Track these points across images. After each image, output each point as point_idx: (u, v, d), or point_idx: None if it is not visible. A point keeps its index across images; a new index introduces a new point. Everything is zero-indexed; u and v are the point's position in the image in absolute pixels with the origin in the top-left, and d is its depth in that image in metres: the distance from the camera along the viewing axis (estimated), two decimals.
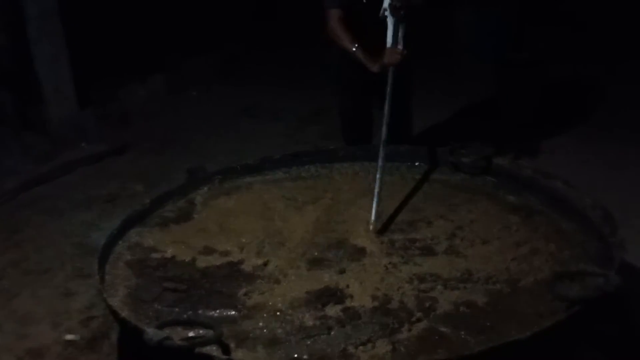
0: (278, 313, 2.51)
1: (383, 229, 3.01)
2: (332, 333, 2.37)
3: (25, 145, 5.46)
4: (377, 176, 3.21)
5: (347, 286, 2.63)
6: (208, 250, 2.93)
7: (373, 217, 3.04)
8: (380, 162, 3.26)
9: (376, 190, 3.14)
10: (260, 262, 2.84)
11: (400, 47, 3.56)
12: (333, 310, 2.49)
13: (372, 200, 3.11)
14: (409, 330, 2.36)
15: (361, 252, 2.87)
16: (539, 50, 6.78)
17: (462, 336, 2.32)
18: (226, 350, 2.22)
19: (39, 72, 5.37)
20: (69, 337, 3.32)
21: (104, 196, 4.89)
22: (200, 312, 2.52)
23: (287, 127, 6.04)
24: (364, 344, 2.31)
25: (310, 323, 2.44)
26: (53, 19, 5.32)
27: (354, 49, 3.75)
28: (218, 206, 3.30)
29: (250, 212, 3.22)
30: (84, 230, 4.43)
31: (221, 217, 3.19)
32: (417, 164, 3.57)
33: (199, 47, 7.35)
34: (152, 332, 2.10)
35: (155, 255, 2.90)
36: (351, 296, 2.57)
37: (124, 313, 2.43)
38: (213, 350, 2.20)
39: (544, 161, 4.71)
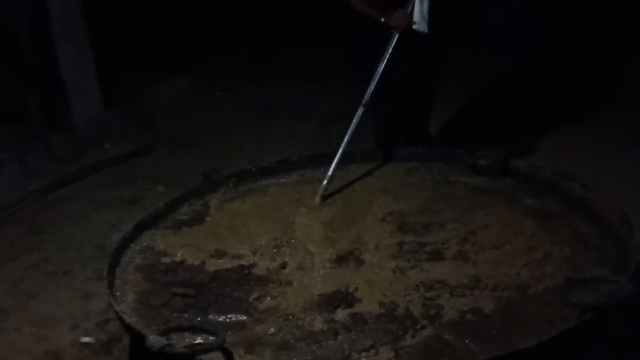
0: (289, 317, 2.50)
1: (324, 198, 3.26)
2: (338, 338, 2.36)
3: (50, 146, 5.53)
4: (345, 138, 3.51)
5: (356, 289, 2.62)
6: (219, 254, 2.93)
7: (325, 182, 3.29)
8: (354, 122, 3.55)
9: (340, 151, 3.46)
10: (272, 265, 2.82)
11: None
12: (341, 315, 2.48)
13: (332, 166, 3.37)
14: (413, 337, 2.34)
15: (372, 255, 2.84)
16: (564, 46, 6.71)
17: (467, 344, 2.28)
18: (229, 356, 2.20)
19: (63, 73, 5.44)
20: (85, 339, 3.35)
21: (127, 197, 4.93)
22: (210, 317, 2.52)
23: (311, 127, 6.02)
24: (367, 350, 2.29)
25: (319, 328, 2.42)
26: (77, 21, 5.38)
27: (363, 7, 3.83)
28: (232, 209, 3.29)
29: (263, 215, 3.20)
30: (106, 231, 4.46)
31: (234, 220, 3.18)
32: (435, 164, 3.53)
33: (224, 47, 7.37)
34: (153, 339, 2.10)
35: (165, 260, 2.91)
36: (360, 300, 2.55)
37: (132, 319, 2.44)
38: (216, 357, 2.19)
39: (566, 161, 4.63)
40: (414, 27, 3.80)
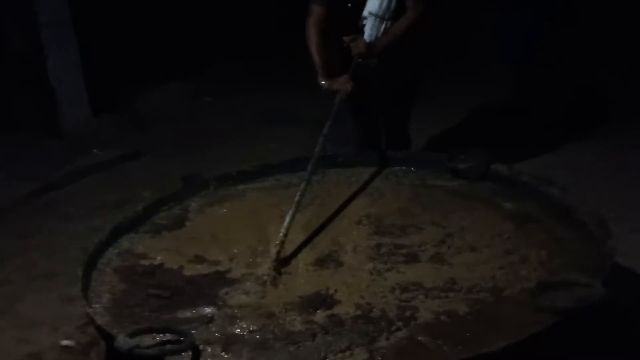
0: (267, 318, 2.50)
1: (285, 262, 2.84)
2: (316, 340, 2.37)
3: (41, 151, 5.54)
4: (297, 195, 3.07)
5: (336, 291, 2.63)
6: (198, 259, 2.93)
7: (280, 237, 2.88)
8: (307, 176, 3.20)
9: (291, 210, 3.00)
10: (252, 269, 2.83)
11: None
12: (320, 316, 2.49)
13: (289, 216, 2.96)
14: (387, 339, 2.34)
15: (350, 257, 2.85)
16: (565, 52, 6.69)
17: (440, 346, 2.28)
18: (198, 358, 2.20)
19: (52, 79, 5.47)
20: (65, 342, 3.37)
21: (115, 202, 4.93)
22: (182, 317, 2.52)
23: (302, 132, 5.99)
24: (343, 351, 2.30)
25: (298, 329, 2.43)
26: (65, 26, 5.42)
27: (314, 55, 3.79)
28: (211, 214, 3.30)
29: (242, 221, 3.21)
30: (93, 235, 4.43)
31: (213, 226, 3.18)
32: (415, 168, 3.53)
33: (219, 54, 7.37)
34: (122, 340, 2.10)
35: (143, 262, 2.91)
36: (339, 302, 2.56)
37: (104, 319, 2.45)
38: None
39: (549, 164, 4.65)
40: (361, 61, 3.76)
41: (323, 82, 3.70)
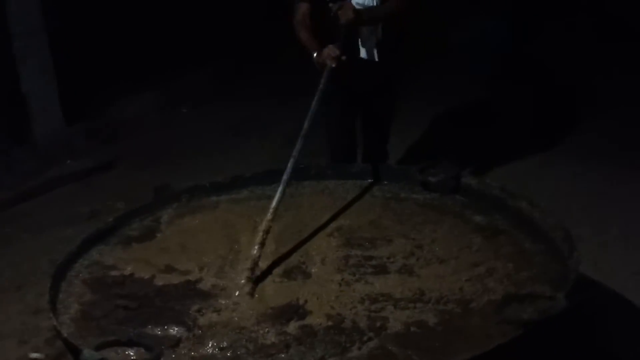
0: (239, 330, 2.51)
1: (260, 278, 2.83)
2: (290, 351, 2.39)
3: (12, 161, 5.51)
4: (275, 202, 3.08)
5: (306, 302, 2.65)
6: (168, 270, 2.92)
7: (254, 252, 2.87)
8: (285, 177, 3.19)
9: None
10: (221, 280, 2.83)
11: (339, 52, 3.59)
12: (293, 327, 2.51)
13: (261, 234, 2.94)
14: (359, 349, 2.37)
15: (318, 268, 2.87)
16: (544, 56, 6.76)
17: (410, 356, 2.32)
18: None
19: (25, 89, 5.43)
20: (33, 355, 3.34)
21: (87, 213, 4.91)
22: (149, 329, 2.51)
23: (275, 144, 6.02)
24: None
25: (271, 341, 2.45)
26: (39, 37, 5.39)
27: (305, 43, 3.79)
28: (183, 225, 3.29)
29: (214, 231, 3.21)
30: (63, 247, 4.40)
31: (184, 237, 3.18)
32: (386, 181, 3.54)
33: (192, 63, 7.35)
34: (87, 353, 2.10)
35: (113, 273, 2.90)
36: (310, 312, 2.59)
37: (70, 330, 2.44)
38: None
39: (520, 178, 4.69)
40: (363, 56, 3.82)
41: (315, 55, 3.69)
